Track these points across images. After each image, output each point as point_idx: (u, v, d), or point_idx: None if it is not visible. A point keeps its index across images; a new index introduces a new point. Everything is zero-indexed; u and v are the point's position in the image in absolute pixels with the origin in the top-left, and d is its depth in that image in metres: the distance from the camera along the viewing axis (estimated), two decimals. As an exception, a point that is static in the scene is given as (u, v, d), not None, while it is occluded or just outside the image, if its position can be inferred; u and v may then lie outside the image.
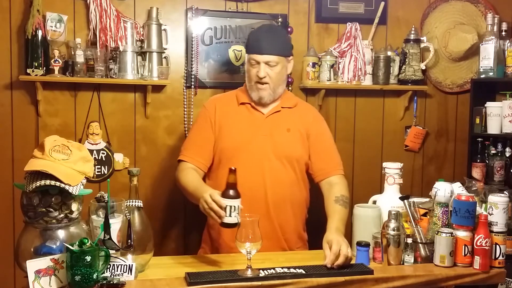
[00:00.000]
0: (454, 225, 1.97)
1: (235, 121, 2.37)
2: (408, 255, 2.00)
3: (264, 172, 2.30)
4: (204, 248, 2.46)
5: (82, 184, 1.75)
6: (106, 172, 2.92)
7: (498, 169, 3.06)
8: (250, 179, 2.26)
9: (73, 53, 2.80)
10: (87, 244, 1.64)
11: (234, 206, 1.87)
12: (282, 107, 2.40)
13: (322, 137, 2.45)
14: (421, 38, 3.24)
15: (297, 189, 2.38)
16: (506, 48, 3.03)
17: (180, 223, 3.09)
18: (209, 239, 2.44)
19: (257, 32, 2.38)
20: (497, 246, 1.96)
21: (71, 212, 1.74)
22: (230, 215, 1.87)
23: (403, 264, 1.99)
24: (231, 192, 1.89)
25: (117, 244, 1.75)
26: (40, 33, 2.69)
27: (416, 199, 2.12)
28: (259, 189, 2.30)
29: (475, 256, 1.93)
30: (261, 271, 1.82)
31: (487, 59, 3.07)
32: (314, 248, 2.02)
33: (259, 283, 1.77)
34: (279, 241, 2.32)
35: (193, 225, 3.08)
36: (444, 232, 1.93)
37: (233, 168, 1.91)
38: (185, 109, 3.03)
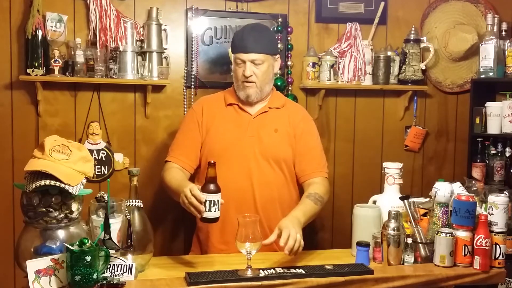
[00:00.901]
0: (454, 225, 1.97)
1: (222, 122, 2.35)
2: (408, 255, 2.00)
3: (251, 174, 2.29)
4: (194, 251, 2.45)
5: (82, 184, 1.75)
6: (106, 172, 2.92)
7: (498, 169, 3.06)
8: (238, 180, 2.27)
9: (73, 53, 2.80)
10: (87, 244, 1.64)
11: (214, 201, 1.85)
12: (269, 108, 2.38)
13: (308, 137, 2.41)
14: (421, 38, 3.24)
15: (286, 190, 2.37)
16: (506, 48, 3.03)
17: (180, 223, 3.09)
18: (198, 242, 2.44)
19: (242, 31, 2.36)
20: (497, 246, 1.96)
21: (71, 212, 1.74)
22: (209, 210, 1.85)
23: (403, 264, 1.99)
24: (211, 186, 1.87)
25: (117, 244, 1.75)
26: (40, 33, 2.69)
27: (416, 199, 2.12)
28: (247, 190, 2.29)
29: (475, 256, 1.93)
30: (261, 271, 1.82)
31: (487, 59, 3.07)
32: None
33: (259, 283, 1.77)
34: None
35: (193, 225, 3.08)
36: (444, 232, 1.93)
37: (212, 161, 1.90)
38: (185, 109, 3.03)
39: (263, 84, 2.32)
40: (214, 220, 1.88)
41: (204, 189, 1.87)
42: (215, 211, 1.86)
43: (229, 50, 3.03)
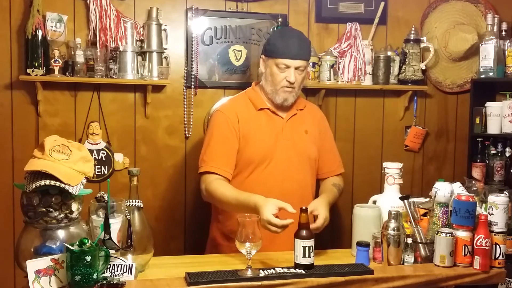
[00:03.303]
0: (454, 225, 1.97)
1: (258, 128, 2.36)
2: (408, 255, 2.00)
3: (292, 176, 2.34)
4: (214, 252, 2.42)
5: (82, 184, 1.75)
6: (106, 172, 2.92)
7: (498, 169, 3.06)
8: (280, 184, 2.32)
9: (73, 53, 2.80)
10: (87, 244, 1.64)
11: (311, 246, 1.86)
12: (297, 110, 2.44)
13: (328, 135, 2.55)
14: (421, 38, 3.24)
15: (310, 186, 2.44)
16: (506, 48, 3.03)
17: (180, 223, 3.09)
18: (224, 242, 2.39)
19: (285, 36, 2.35)
20: (497, 246, 1.96)
21: (71, 212, 1.74)
22: (308, 256, 1.86)
23: (403, 264, 1.99)
24: (305, 232, 1.87)
25: (117, 244, 1.75)
26: (40, 33, 2.70)
27: (416, 199, 2.12)
28: (289, 193, 2.31)
29: (475, 256, 1.93)
30: (261, 271, 1.82)
31: (487, 59, 3.07)
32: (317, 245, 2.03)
33: (259, 283, 1.76)
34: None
35: (193, 225, 3.09)
36: (444, 232, 1.93)
37: (304, 207, 1.92)
38: (185, 109, 3.03)
39: (299, 89, 2.39)
40: (312, 266, 1.87)
41: (299, 236, 1.87)
42: (311, 256, 1.86)
43: (230, 50, 3.05)
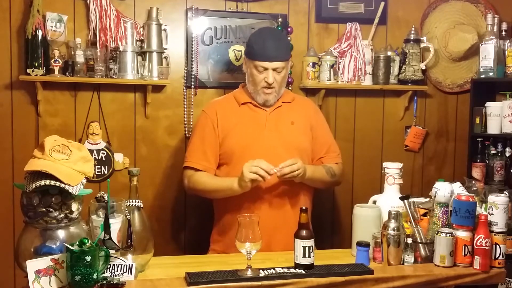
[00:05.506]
0: (454, 225, 1.97)
1: (240, 120, 2.42)
2: (408, 255, 2.00)
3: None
4: (216, 250, 2.44)
5: (82, 184, 1.75)
6: (106, 172, 2.92)
7: (498, 169, 3.05)
8: None
9: (73, 53, 2.80)
10: (87, 244, 1.64)
11: (311, 247, 1.86)
12: (282, 102, 2.48)
13: (323, 127, 2.58)
14: (421, 38, 3.24)
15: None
16: (506, 48, 3.03)
17: (180, 223, 3.09)
18: (223, 239, 2.42)
19: (262, 38, 2.40)
20: (497, 246, 1.96)
21: (71, 212, 1.74)
22: (308, 256, 1.85)
23: (403, 264, 1.99)
24: (305, 232, 1.87)
25: (117, 244, 1.75)
26: (40, 33, 2.69)
27: (416, 199, 2.12)
28: (276, 183, 2.32)
29: (475, 256, 1.93)
30: (261, 271, 1.82)
31: (487, 59, 3.07)
32: (317, 245, 2.04)
33: (259, 283, 1.77)
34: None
35: (193, 225, 3.08)
36: (444, 232, 1.93)
37: (304, 207, 1.91)
38: (185, 109, 3.03)
39: (281, 88, 2.44)
40: (312, 266, 1.87)
41: (299, 236, 1.87)
42: (311, 256, 1.86)
43: (230, 50, 3.05)
